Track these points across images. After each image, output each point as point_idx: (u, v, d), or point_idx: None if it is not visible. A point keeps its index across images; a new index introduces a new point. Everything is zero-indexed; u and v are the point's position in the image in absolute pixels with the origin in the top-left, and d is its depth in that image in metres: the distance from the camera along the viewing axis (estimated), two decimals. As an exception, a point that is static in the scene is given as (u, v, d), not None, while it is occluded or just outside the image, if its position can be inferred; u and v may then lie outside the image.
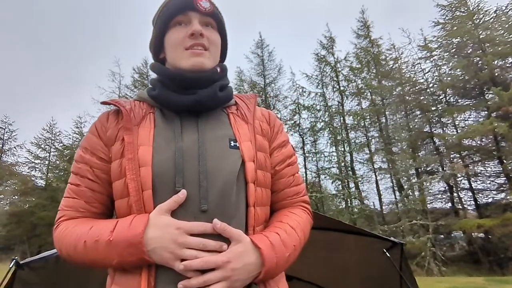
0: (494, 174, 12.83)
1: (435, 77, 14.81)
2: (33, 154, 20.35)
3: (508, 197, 11.94)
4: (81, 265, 0.65)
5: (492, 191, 12.90)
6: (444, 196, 14.04)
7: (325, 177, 15.59)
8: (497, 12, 13.07)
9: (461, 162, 13.07)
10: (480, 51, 12.77)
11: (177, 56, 0.75)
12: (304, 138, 16.75)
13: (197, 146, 0.68)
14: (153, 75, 0.82)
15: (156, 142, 0.68)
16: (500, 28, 12.91)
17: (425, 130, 14.48)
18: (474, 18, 13.32)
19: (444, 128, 14.39)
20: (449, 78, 13.92)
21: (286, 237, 0.67)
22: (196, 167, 0.65)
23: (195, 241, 0.58)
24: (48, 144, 20.91)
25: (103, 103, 0.80)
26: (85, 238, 0.61)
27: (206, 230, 0.59)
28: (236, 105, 0.82)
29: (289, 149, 0.83)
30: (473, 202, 13.19)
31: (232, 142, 0.71)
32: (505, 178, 12.19)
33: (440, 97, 14.76)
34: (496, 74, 12.50)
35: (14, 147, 21.30)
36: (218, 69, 0.79)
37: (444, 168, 13.63)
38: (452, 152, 13.37)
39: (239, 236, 0.61)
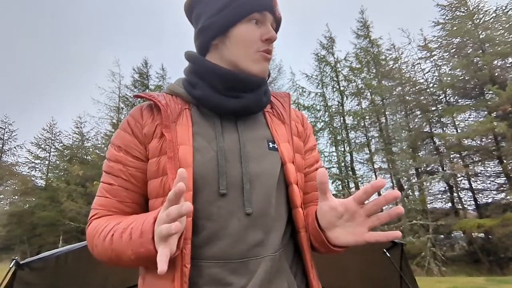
0: (494, 174, 12.81)
1: (435, 77, 14.78)
2: (33, 154, 20.39)
3: (508, 197, 11.92)
4: (108, 262, 0.62)
5: (492, 191, 12.88)
6: (444, 196, 14.02)
7: (325, 177, 15.53)
8: (497, 12, 13.05)
9: (461, 162, 13.05)
10: (480, 51, 12.75)
11: (245, 56, 0.70)
12: (304, 138, 16.71)
13: (238, 147, 0.66)
14: (186, 65, 0.77)
15: (196, 142, 0.65)
16: (500, 28, 12.88)
17: (425, 130, 14.46)
18: (474, 18, 13.30)
19: (444, 128, 14.37)
20: (449, 78, 13.88)
21: None
22: (239, 169, 0.63)
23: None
24: (48, 144, 20.95)
25: (137, 96, 0.75)
26: (113, 232, 0.59)
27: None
28: (271, 103, 0.79)
29: (317, 153, 0.82)
30: (473, 202, 13.16)
31: (270, 143, 0.69)
32: (505, 178, 12.16)
33: (440, 97, 14.72)
34: (496, 74, 12.48)
35: (14, 147, 21.39)
36: None
37: (444, 168, 13.61)
38: (452, 152, 13.34)
39: None
